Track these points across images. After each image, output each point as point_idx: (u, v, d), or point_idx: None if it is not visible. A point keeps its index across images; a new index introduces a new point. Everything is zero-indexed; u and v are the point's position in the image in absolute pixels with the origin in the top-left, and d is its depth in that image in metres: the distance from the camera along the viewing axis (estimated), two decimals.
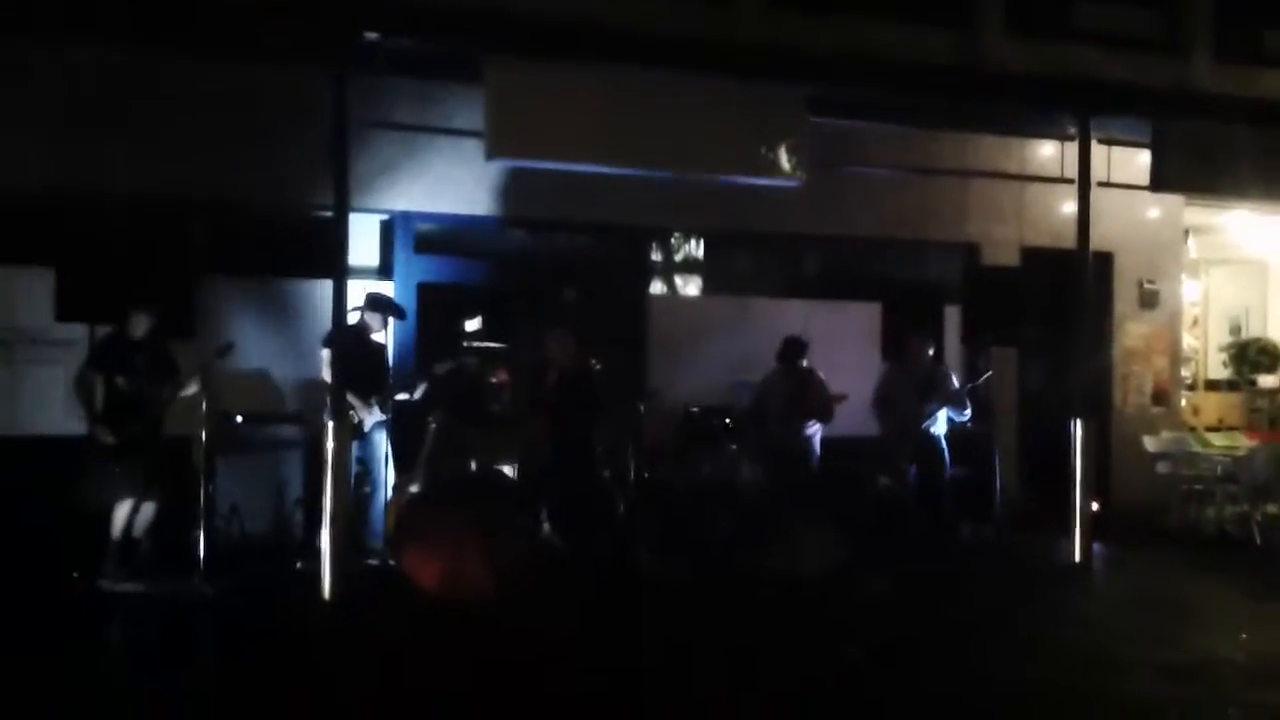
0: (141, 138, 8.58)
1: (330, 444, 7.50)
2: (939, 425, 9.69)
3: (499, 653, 6.23)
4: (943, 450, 9.67)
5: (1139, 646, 6.80)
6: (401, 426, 8.63)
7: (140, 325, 7.73)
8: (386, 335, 8.62)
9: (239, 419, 8.42)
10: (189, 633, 6.92)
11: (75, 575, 7.43)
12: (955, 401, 9.69)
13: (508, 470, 8.71)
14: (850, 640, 6.59)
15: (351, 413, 8.04)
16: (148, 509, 7.65)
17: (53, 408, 8.26)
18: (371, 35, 7.81)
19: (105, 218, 8.54)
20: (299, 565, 7.89)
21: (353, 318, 8.24)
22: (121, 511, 7.57)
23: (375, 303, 8.61)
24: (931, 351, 10.05)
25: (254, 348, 8.96)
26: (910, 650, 6.61)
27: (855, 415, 9.84)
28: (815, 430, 9.66)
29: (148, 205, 8.67)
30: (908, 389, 9.71)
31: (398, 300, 9.12)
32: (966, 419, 9.78)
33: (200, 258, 9.04)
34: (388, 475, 8.53)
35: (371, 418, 8.34)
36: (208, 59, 8.59)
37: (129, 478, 7.55)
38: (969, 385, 9.99)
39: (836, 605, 7.57)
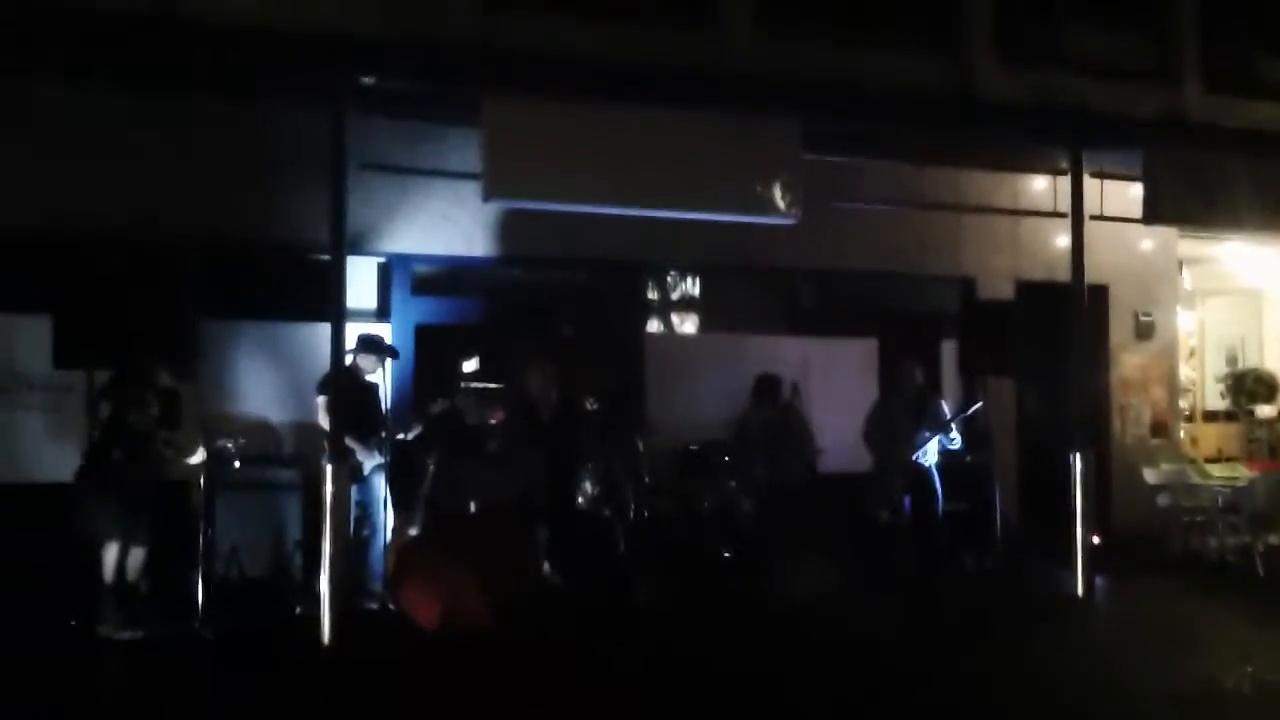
0: (139, 180, 8.62)
1: (329, 487, 7.49)
2: (930, 456, 9.67)
3: (500, 695, 6.19)
4: (935, 482, 9.64)
5: (1145, 677, 6.81)
6: (400, 468, 8.60)
7: (162, 377, 7.83)
8: (383, 376, 8.64)
9: (237, 464, 8.40)
10: (188, 678, 6.86)
11: (72, 622, 7.39)
12: (945, 429, 9.68)
13: (506, 509, 8.67)
14: (855, 673, 6.56)
15: (350, 456, 8.03)
16: (137, 553, 7.63)
17: (53, 454, 8.24)
18: (367, 80, 7.85)
19: (102, 261, 8.55)
20: (298, 609, 7.86)
21: (347, 360, 8.23)
22: (111, 554, 7.54)
23: (368, 344, 8.60)
24: (922, 380, 10.04)
25: (252, 390, 9.00)
26: (916, 684, 6.58)
27: (850, 450, 9.82)
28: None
29: (144, 249, 8.67)
30: (899, 417, 9.70)
31: (395, 342, 9.13)
32: (957, 446, 9.77)
33: (198, 301, 9.05)
34: (387, 518, 8.50)
35: (370, 460, 8.33)
36: (206, 100, 8.64)
37: (119, 517, 7.52)
38: (960, 414, 9.98)
39: (841, 638, 7.53)
